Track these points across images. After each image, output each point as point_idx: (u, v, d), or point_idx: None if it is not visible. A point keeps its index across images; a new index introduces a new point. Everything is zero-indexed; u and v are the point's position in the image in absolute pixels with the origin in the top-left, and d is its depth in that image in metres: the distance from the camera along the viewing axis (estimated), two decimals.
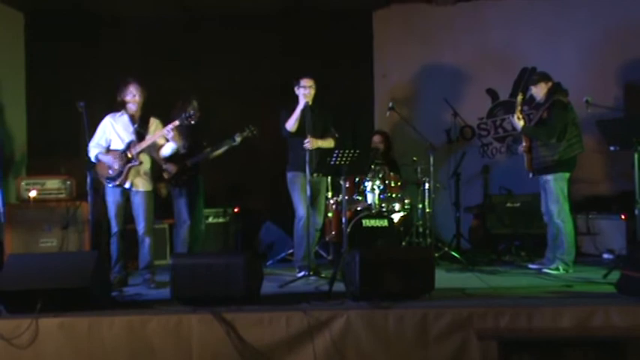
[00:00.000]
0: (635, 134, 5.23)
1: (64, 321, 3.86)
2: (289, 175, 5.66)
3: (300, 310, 3.92)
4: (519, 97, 5.77)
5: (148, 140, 5.24)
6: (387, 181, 6.42)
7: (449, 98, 7.19)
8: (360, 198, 6.39)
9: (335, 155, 5.08)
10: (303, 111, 5.46)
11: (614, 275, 4.72)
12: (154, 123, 5.42)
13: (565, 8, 7.56)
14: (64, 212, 6.17)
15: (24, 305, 3.91)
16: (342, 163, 5.10)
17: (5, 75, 7.06)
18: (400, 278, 4.18)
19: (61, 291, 3.97)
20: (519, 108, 5.72)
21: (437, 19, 7.76)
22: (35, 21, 7.45)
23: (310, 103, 5.48)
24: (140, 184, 5.30)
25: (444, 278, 5.22)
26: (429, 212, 6.60)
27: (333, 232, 6.34)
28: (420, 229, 6.62)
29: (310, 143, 5.35)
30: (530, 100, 6.14)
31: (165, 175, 5.80)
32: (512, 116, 5.77)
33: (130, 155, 5.21)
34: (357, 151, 5.10)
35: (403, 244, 6.43)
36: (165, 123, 5.33)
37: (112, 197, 5.27)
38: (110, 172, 5.23)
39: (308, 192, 5.28)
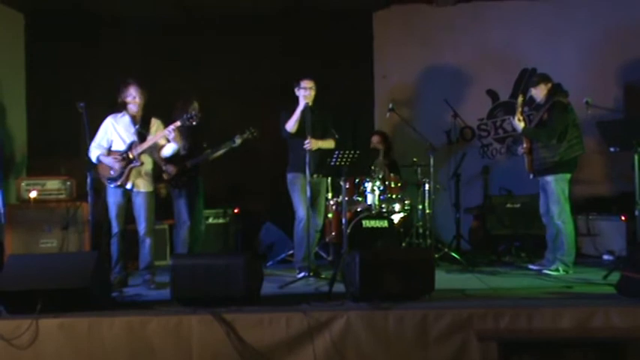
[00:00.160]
0: (635, 135, 5.23)
1: (64, 321, 3.86)
2: (289, 176, 5.66)
3: (300, 311, 3.92)
4: (520, 99, 5.77)
5: (150, 141, 5.24)
6: (387, 182, 6.42)
7: (449, 99, 7.19)
8: (360, 199, 6.39)
9: (335, 156, 5.08)
10: (303, 112, 5.46)
11: (614, 276, 4.71)
12: (155, 123, 5.43)
13: (565, 9, 7.57)
14: (64, 213, 6.18)
15: (24, 306, 3.91)
16: (342, 163, 5.10)
17: (5, 75, 7.06)
18: (400, 279, 4.18)
19: (61, 291, 3.97)
20: (520, 109, 5.72)
21: (437, 20, 7.76)
22: (35, 21, 7.46)
23: (310, 104, 5.48)
24: (141, 185, 5.30)
25: (444, 279, 5.22)
26: (429, 213, 6.60)
27: (333, 233, 6.33)
28: (420, 230, 6.63)
29: (310, 144, 5.35)
30: (530, 102, 6.14)
31: (165, 177, 5.80)
32: (513, 118, 5.77)
33: (131, 156, 5.22)
34: (357, 152, 5.10)
35: (403, 245, 6.43)
36: (166, 124, 5.33)
37: (114, 198, 5.27)
38: (111, 172, 5.23)
39: (308, 193, 5.27)
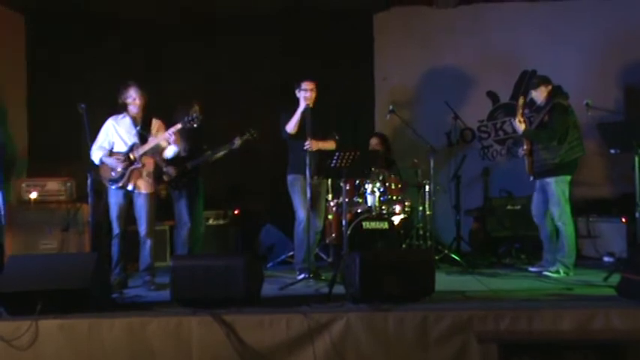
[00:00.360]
0: (636, 137, 5.22)
1: (64, 323, 3.86)
2: (289, 177, 5.65)
3: (301, 313, 3.92)
4: (520, 101, 5.77)
5: (151, 142, 5.25)
6: (387, 184, 6.41)
7: (449, 101, 7.18)
8: (360, 200, 6.39)
9: (335, 157, 5.07)
10: (304, 113, 5.45)
11: (615, 278, 4.71)
12: (156, 124, 5.44)
13: (565, 11, 7.57)
14: (64, 214, 6.18)
15: (24, 307, 3.91)
16: (343, 165, 5.10)
17: (6, 76, 7.06)
18: (400, 281, 4.17)
19: (61, 293, 3.97)
20: (520, 111, 5.72)
21: (437, 22, 7.77)
22: (36, 23, 7.45)
23: (311, 105, 5.47)
24: (143, 187, 5.30)
25: (444, 281, 5.20)
26: (429, 215, 6.60)
27: (334, 235, 6.33)
28: (421, 232, 6.62)
29: (311, 145, 5.34)
30: (530, 104, 6.14)
31: (166, 178, 5.80)
32: (514, 119, 5.77)
33: (132, 158, 5.22)
34: (358, 154, 5.09)
35: (403, 246, 6.42)
36: (167, 125, 5.33)
37: (115, 199, 5.28)
38: (113, 174, 5.23)
39: (308, 194, 5.27)
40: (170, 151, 5.39)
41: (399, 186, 6.55)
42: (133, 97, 5.28)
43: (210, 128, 6.00)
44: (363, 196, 6.35)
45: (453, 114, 7.14)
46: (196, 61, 7.53)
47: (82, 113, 4.97)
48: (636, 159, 5.23)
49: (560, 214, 5.49)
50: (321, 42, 7.46)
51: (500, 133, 7.78)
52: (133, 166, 5.22)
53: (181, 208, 5.87)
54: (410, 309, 3.98)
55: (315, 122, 5.46)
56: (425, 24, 7.81)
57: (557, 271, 5.46)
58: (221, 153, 6.01)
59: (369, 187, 6.30)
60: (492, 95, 7.80)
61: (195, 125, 5.30)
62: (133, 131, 5.30)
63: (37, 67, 7.46)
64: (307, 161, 5.26)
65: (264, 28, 7.46)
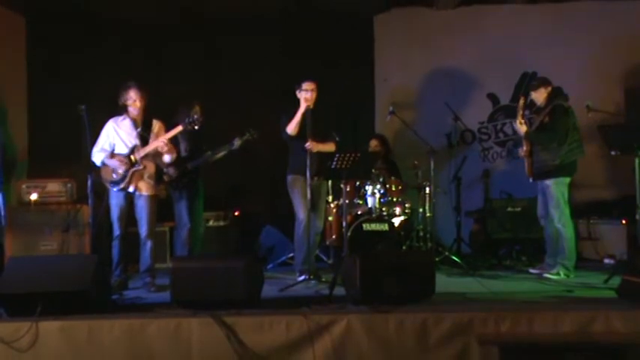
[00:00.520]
0: (636, 139, 5.22)
1: (64, 324, 3.85)
2: (289, 178, 5.64)
3: (301, 314, 3.91)
4: (521, 102, 5.78)
5: (151, 145, 5.25)
6: (387, 185, 6.41)
7: (449, 102, 7.18)
8: (360, 202, 6.39)
9: (335, 159, 5.07)
10: (304, 114, 5.45)
11: (615, 280, 4.71)
12: (156, 125, 5.43)
13: (566, 13, 7.58)
14: (64, 215, 6.17)
15: (24, 308, 3.90)
16: (343, 166, 5.10)
17: (6, 78, 7.06)
18: (401, 282, 4.17)
19: (61, 294, 3.96)
20: (521, 112, 5.73)
21: (438, 24, 7.77)
22: (36, 24, 7.46)
23: (311, 106, 5.47)
24: (144, 188, 5.30)
25: (445, 283, 5.20)
26: (429, 216, 6.60)
27: (334, 236, 6.32)
28: (421, 234, 6.62)
29: (311, 145, 5.34)
30: (530, 105, 6.14)
31: (166, 178, 5.80)
32: (515, 121, 5.77)
33: (133, 159, 5.22)
34: (358, 155, 5.09)
35: (404, 248, 6.42)
36: (167, 126, 5.33)
37: (116, 200, 5.28)
38: (114, 175, 5.24)
39: (308, 196, 5.27)
40: (167, 158, 5.38)
41: (400, 187, 6.55)
42: (133, 99, 5.28)
43: (210, 129, 6.00)
44: (364, 197, 6.36)
45: (453, 115, 7.13)
46: (196, 61, 7.53)
47: (82, 115, 4.96)
48: (636, 161, 5.23)
49: (560, 216, 5.49)
50: (322, 43, 7.46)
51: (501, 135, 7.78)
52: (134, 168, 5.22)
53: (181, 209, 5.87)
54: (410, 311, 3.98)
55: (316, 123, 5.45)
56: (425, 25, 7.82)
57: (558, 273, 5.46)
58: (221, 153, 6.00)
59: (369, 188, 6.30)
60: (492, 97, 7.80)
61: (196, 127, 5.30)
62: (134, 133, 5.30)
63: (38, 68, 7.47)
64: (307, 162, 5.25)
65: (265, 29, 7.47)
